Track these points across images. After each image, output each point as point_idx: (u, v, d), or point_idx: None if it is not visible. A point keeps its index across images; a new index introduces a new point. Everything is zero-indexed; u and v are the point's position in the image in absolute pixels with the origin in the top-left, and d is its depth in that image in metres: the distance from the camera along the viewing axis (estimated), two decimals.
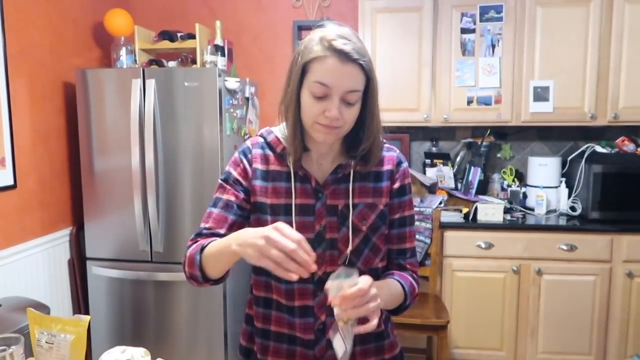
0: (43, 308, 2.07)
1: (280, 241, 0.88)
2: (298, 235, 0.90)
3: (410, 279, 1.19)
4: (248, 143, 1.20)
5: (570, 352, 2.77)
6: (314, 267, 0.89)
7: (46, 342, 1.12)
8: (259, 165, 1.17)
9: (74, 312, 2.79)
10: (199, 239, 1.14)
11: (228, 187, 1.18)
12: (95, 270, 2.70)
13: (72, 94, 2.73)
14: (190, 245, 1.14)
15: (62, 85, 2.74)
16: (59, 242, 2.68)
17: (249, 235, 0.93)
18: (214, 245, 1.05)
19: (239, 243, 0.95)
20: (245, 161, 1.18)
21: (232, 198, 1.16)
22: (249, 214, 1.18)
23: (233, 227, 1.14)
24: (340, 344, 0.96)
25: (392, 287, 1.13)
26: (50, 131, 2.66)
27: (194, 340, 2.66)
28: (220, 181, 1.20)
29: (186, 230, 2.60)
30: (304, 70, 1.05)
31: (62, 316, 1.34)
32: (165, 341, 2.68)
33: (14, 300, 2.14)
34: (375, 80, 1.07)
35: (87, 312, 2.76)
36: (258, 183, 1.16)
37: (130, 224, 2.62)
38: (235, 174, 1.18)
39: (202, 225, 1.16)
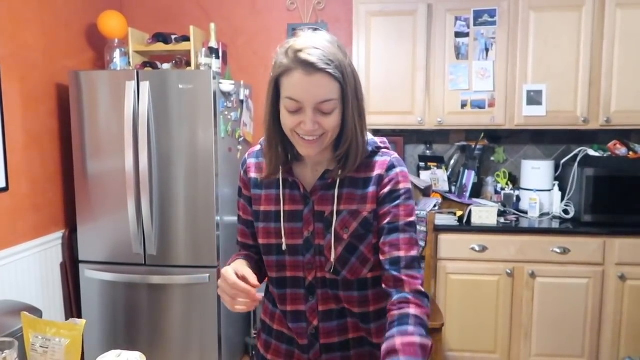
0: (35, 311, 2.05)
1: (221, 287, 1.05)
2: (233, 279, 1.03)
3: (413, 307, 1.01)
4: (246, 154, 1.26)
5: (563, 355, 2.78)
6: (257, 297, 1.03)
7: (40, 347, 1.11)
8: (253, 174, 1.20)
9: (66, 316, 2.77)
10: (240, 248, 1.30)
11: (240, 203, 1.25)
12: (88, 274, 2.68)
13: (65, 96, 2.71)
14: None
15: (55, 87, 2.72)
16: (51, 245, 2.66)
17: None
18: None
19: None
20: (242, 172, 1.23)
21: (242, 215, 1.25)
22: None
23: (257, 238, 1.23)
24: None
25: None
26: (43, 133, 2.64)
27: (187, 344, 2.65)
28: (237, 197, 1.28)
29: (180, 233, 2.58)
30: (276, 85, 1.05)
31: (55, 320, 1.32)
32: (159, 344, 2.67)
33: (6, 304, 2.12)
34: (349, 85, 1.02)
35: (79, 316, 2.73)
36: (254, 192, 1.20)
37: (123, 227, 2.60)
38: (241, 187, 1.24)
39: (238, 237, 1.30)
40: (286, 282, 1.16)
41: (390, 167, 1.12)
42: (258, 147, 1.23)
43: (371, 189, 1.10)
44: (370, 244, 1.11)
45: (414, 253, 1.07)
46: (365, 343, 1.18)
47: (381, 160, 1.13)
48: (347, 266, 1.10)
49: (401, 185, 1.10)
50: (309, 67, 0.98)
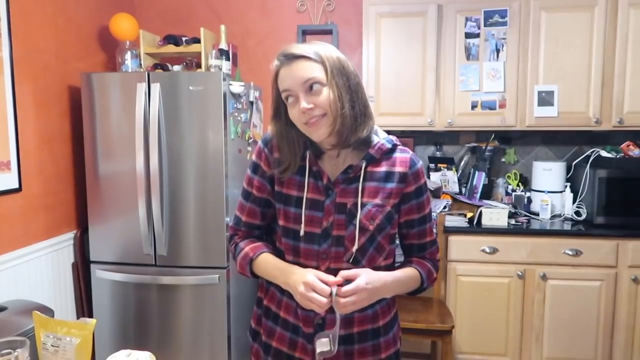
0: (47, 311, 2.07)
1: (314, 297, 1.06)
2: (327, 289, 1.06)
3: (429, 265, 1.28)
4: (269, 132, 1.26)
5: (576, 358, 2.75)
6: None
7: (52, 346, 1.12)
8: (277, 155, 1.22)
9: (78, 315, 2.79)
10: (239, 231, 1.29)
11: (255, 180, 1.25)
12: (99, 274, 2.70)
13: (77, 98, 2.74)
14: (232, 236, 1.30)
15: (68, 89, 2.75)
16: (63, 245, 2.69)
17: (292, 280, 1.11)
18: (263, 267, 1.21)
19: (286, 283, 1.14)
20: (266, 150, 1.24)
21: (256, 192, 1.25)
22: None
23: (266, 217, 1.27)
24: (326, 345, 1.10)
25: (405, 277, 1.22)
26: (55, 134, 2.66)
27: (197, 344, 2.66)
28: (248, 172, 1.28)
29: (190, 234, 2.60)
30: (277, 89, 1.16)
31: (66, 319, 1.33)
32: (169, 345, 2.68)
33: (18, 304, 2.14)
34: (332, 66, 1.10)
35: (90, 315, 2.75)
36: (276, 172, 1.22)
37: (134, 227, 2.62)
38: (259, 163, 1.25)
39: (239, 214, 1.29)
40: None
41: (412, 164, 1.21)
42: None
43: (395, 185, 1.19)
44: (387, 234, 1.20)
45: (435, 235, 1.31)
46: (369, 337, 1.21)
47: (401, 157, 1.21)
48: (366, 256, 1.18)
49: (422, 180, 1.24)
50: (288, 56, 1.12)
